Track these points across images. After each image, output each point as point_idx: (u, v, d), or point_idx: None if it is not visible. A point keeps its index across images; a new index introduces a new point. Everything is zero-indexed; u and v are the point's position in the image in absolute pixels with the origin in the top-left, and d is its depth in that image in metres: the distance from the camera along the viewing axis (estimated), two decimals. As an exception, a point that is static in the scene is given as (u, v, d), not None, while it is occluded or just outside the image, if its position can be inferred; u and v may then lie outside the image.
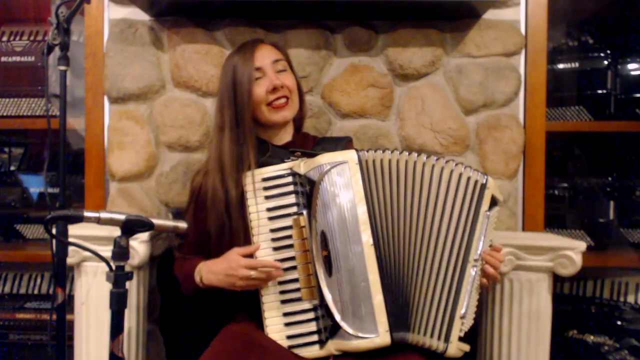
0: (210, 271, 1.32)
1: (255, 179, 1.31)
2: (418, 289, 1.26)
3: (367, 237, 1.24)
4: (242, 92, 1.38)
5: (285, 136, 1.51)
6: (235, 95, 1.39)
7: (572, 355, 1.95)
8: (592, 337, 1.96)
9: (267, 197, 1.30)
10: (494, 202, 1.30)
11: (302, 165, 1.30)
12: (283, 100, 1.42)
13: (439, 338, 1.25)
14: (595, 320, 2.02)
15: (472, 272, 1.26)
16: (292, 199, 1.30)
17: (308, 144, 1.52)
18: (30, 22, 2.23)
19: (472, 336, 1.81)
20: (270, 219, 1.30)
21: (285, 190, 1.30)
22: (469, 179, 1.26)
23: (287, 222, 1.29)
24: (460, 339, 1.27)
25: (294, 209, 1.29)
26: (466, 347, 1.29)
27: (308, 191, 1.27)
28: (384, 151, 1.28)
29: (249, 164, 1.34)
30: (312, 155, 1.31)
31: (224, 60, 1.51)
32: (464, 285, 1.25)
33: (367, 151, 1.28)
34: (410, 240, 1.26)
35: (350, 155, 1.27)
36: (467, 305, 1.25)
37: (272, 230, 1.29)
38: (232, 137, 1.39)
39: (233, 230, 1.35)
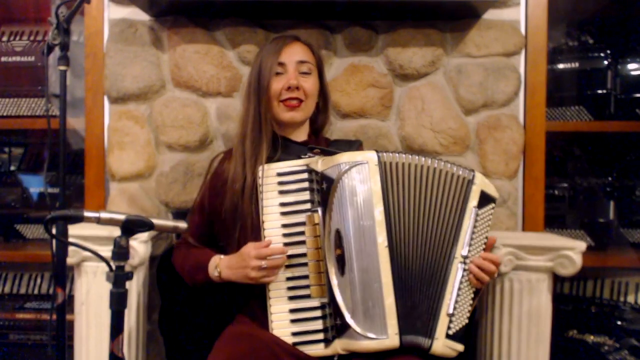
0: (228, 266, 1.34)
1: (270, 173, 1.32)
2: (421, 291, 1.26)
3: (382, 239, 1.23)
4: (263, 83, 1.42)
5: (300, 136, 1.53)
6: (258, 86, 1.44)
7: (572, 355, 1.95)
8: (592, 337, 1.96)
9: (281, 192, 1.31)
10: (486, 200, 1.31)
11: (319, 163, 1.29)
12: (294, 102, 1.44)
13: (424, 334, 1.24)
14: (595, 320, 2.02)
15: (458, 268, 1.27)
16: (306, 195, 1.30)
17: (321, 145, 1.52)
18: (30, 22, 2.23)
19: (470, 338, 1.82)
20: (283, 214, 1.30)
21: (300, 187, 1.30)
22: (456, 176, 1.29)
23: (300, 218, 1.29)
24: (452, 337, 1.25)
25: (308, 206, 1.29)
26: (458, 347, 1.27)
27: (325, 189, 1.26)
28: (403, 154, 1.29)
29: (262, 155, 1.38)
30: (330, 153, 1.30)
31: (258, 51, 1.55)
32: (449, 281, 1.26)
33: (387, 153, 1.28)
34: (418, 243, 1.27)
35: (370, 156, 1.27)
36: (454, 302, 1.25)
37: (284, 226, 1.29)
38: (254, 126, 1.42)
39: (244, 214, 1.37)
